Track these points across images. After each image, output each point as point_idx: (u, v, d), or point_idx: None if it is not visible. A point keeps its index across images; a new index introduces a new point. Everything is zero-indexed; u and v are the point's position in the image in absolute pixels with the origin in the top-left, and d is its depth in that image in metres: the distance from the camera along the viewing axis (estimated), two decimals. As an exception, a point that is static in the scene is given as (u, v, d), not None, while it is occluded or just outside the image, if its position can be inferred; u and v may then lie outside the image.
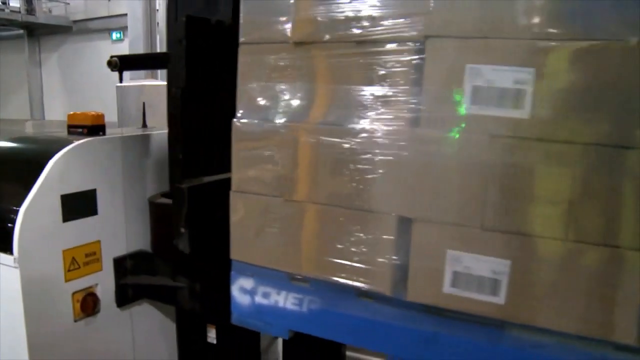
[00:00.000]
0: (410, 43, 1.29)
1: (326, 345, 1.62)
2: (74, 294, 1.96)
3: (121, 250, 2.12)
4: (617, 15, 1.10)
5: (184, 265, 1.96)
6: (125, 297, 2.14)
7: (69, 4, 12.31)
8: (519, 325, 1.28)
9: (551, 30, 1.15)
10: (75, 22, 12.44)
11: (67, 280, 1.94)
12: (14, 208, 1.78)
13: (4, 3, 11.74)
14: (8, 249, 1.77)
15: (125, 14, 8.01)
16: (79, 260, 1.98)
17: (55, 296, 1.90)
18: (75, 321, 1.98)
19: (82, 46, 12.27)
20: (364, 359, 2.93)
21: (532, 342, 1.28)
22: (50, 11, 12.61)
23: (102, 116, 2.14)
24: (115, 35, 11.40)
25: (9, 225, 1.77)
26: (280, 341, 2.85)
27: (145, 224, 2.15)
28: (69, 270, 1.94)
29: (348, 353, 2.47)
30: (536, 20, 1.17)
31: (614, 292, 1.17)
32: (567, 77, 1.16)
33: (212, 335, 2.09)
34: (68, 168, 1.91)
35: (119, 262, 2.11)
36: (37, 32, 12.87)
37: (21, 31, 12.78)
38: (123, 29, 10.60)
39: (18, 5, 11.68)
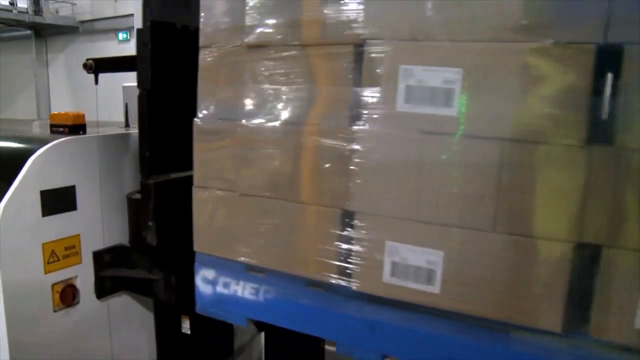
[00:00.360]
0: (350, 46, 1.38)
1: (306, 340, 1.71)
2: (53, 285, 2.07)
3: (100, 244, 2.23)
4: (533, 17, 1.18)
5: (159, 258, 2.06)
6: (104, 289, 2.25)
7: (75, 4, 12.51)
8: (457, 314, 1.36)
9: (477, 32, 1.24)
10: (82, 22, 12.66)
11: (46, 272, 2.05)
12: (-7, 202, 1.90)
13: (11, 4, 11.96)
14: (-12, 241, 1.89)
15: (132, 14, 8.16)
16: (59, 253, 2.09)
17: (34, 287, 2.01)
18: (55, 311, 2.09)
19: (88, 46, 12.47)
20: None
21: (469, 328, 1.36)
22: (57, 12, 12.83)
23: (82, 116, 2.25)
24: (121, 36, 11.57)
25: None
26: (262, 336, 2.95)
27: (124, 219, 2.26)
28: (48, 263, 2.05)
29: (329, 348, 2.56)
30: (462, 23, 1.25)
31: (536, 281, 1.25)
32: (492, 76, 1.24)
33: (186, 326, 2.19)
34: (47, 165, 2.02)
35: (98, 256, 2.22)
36: (44, 33, 13.10)
37: (28, 32, 13.02)
38: (129, 29, 10.80)
39: (26, 6, 11.92)
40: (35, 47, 13.13)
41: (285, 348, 2.36)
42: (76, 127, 2.22)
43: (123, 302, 2.33)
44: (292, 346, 2.26)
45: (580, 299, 1.21)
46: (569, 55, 1.15)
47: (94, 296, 2.23)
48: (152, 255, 2.09)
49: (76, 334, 2.17)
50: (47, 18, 12.32)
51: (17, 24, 12.28)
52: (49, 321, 2.08)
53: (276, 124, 1.49)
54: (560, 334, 1.24)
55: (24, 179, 1.94)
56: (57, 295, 2.09)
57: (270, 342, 2.84)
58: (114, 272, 2.25)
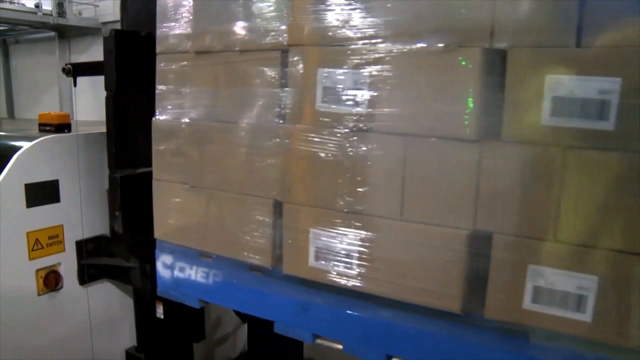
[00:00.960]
0: (277, 51, 1.54)
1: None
2: (37, 271, 2.28)
3: (83, 234, 2.44)
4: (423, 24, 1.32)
5: (131, 247, 2.25)
6: (86, 276, 2.45)
7: (98, 6, 12.93)
8: (379, 297, 1.50)
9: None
10: (104, 24, 13.07)
11: (31, 259, 2.26)
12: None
13: (37, 6, 12.51)
14: (-27, 229, 2.11)
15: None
16: (42, 242, 2.30)
17: (19, 272, 2.23)
18: (39, 295, 2.30)
19: (110, 47, 12.84)
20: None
21: (383, 307, 1.50)
22: (80, 13, 13.28)
23: (67, 116, 2.46)
24: (141, 36, 11.88)
25: (-24, 209, 2.11)
26: (245, 327, 3.13)
27: (105, 211, 2.46)
28: (32, 250, 2.26)
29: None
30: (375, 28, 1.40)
31: (438, 266, 1.38)
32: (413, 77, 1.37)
33: (160, 311, 2.38)
34: (31, 161, 2.23)
35: (80, 245, 2.42)
36: (68, 34, 13.57)
37: (52, 33, 13.53)
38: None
39: (50, 9, 12.42)
40: (59, 49, 13.61)
41: (267, 338, 2.52)
42: (61, 126, 2.43)
43: (104, 288, 2.53)
44: (273, 336, 2.43)
45: (475, 282, 1.34)
46: (459, 57, 1.28)
47: (77, 282, 2.44)
48: (126, 244, 2.28)
49: (59, 316, 2.37)
50: (71, 20, 12.81)
51: (42, 26, 12.80)
52: (33, 305, 2.29)
53: (216, 123, 1.66)
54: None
55: (9, 172, 2.16)
56: (41, 280, 2.30)
57: (252, 332, 3.03)
58: (95, 260, 2.46)
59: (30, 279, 2.27)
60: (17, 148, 2.23)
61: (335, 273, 1.52)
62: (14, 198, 2.18)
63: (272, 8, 1.54)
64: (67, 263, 2.40)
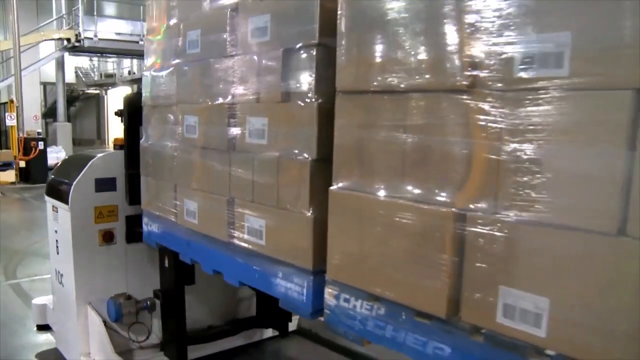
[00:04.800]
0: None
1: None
2: (99, 231, 4.12)
3: (131, 212, 4.22)
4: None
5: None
6: (130, 237, 4.22)
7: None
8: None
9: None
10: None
11: (96, 223, 4.10)
12: (70, 182, 4.02)
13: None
14: (66, 202, 4.00)
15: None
16: (104, 213, 4.13)
17: (89, 230, 4.07)
18: (100, 245, 4.13)
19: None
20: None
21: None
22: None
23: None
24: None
25: (67, 191, 4.01)
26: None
27: (143, 198, 4.23)
28: (97, 217, 4.10)
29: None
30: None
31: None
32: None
33: (164, 263, 4.04)
34: (100, 165, 4.09)
35: (128, 218, 4.21)
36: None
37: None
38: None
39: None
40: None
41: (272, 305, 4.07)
42: (122, 146, 4.29)
43: (140, 247, 4.29)
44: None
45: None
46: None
47: (124, 241, 4.22)
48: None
49: (111, 261, 4.18)
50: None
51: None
52: (96, 252, 4.11)
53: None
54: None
55: (85, 172, 4.02)
56: (102, 237, 4.13)
57: (260, 299, 4.57)
58: (137, 228, 4.22)
59: (95, 235, 4.11)
60: (93, 157, 4.11)
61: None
62: (88, 186, 4.05)
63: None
64: (119, 228, 4.19)
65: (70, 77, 23.02)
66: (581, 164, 1.41)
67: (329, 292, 2.16)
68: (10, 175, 14.97)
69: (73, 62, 22.93)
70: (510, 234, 1.57)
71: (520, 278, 1.57)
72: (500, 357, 1.65)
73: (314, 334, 4.79)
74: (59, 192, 4.15)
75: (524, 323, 1.57)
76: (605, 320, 1.40)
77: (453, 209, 1.70)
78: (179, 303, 3.96)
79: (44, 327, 4.71)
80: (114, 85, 24.56)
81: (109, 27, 20.25)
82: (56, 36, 19.62)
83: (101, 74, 26.39)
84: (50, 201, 4.35)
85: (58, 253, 4.27)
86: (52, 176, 4.48)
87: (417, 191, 1.80)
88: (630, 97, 1.31)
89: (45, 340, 4.78)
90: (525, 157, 1.52)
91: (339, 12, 2.01)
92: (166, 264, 4.00)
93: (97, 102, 25.63)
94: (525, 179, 1.52)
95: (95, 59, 25.85)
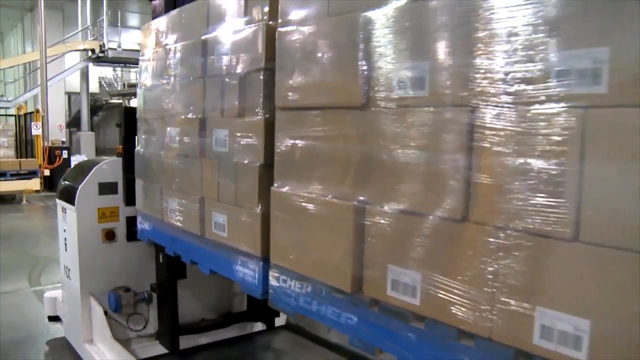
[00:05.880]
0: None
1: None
2: (102, 229, 4.66)
3: (130, 213, 4.75)
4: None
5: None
6: (130, 236, 4.75)
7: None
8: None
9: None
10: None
11: (99, 222, 4.64)
12: (77, 186, 4.57)
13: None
14: (73, 203, 4.56)
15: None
16: (106, 214, 4.67)
17: (92, 229, 4.61)
18: (103, 243, 4.67)
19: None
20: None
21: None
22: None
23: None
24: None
25: (74, 194, 4.56)
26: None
27: (142, 201, 4.77)
28: (100, 217, 4.65)
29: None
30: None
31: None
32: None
33: (159, 258, 4.55)
34: (103, 170, 4.64)
35: (128, 219, 4.74)
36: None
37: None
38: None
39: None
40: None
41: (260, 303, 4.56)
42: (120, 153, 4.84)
43: (139, 244, 4.81)
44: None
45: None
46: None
47: (125, 239, 4.75)
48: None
49: (113, 257, 4.71)
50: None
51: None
52: (99, 248, 4.65)
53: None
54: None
55: (89, 177, 4.58)
56: (104, 235, 4.67)
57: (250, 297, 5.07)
58: (135, 228, 4.75)
59: (98, 233, 4.64)
60: (97, 164, 4.67)
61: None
62: (92, 189, 4.60)
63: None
64: (120, 228, 4.73)
65: (94, 87, 23.93)
66: (428, 165, 1.86)
67: (272, 275, 2.63)
68: (35, 184, 15.53)
69: (97, 73, 23.88)
70: (393, 222, 2.02)
71: (403, 258, 2.01)
72: (389, 323, 2.09)
73: (301, 328, 5.24)
74: (67, 195, 4.72)
75: (404, 294, 2.02)
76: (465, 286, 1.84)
77: (354, 203, 2.16)
78: (172, 296, 4.47)
79: (54, 318, 5.25)
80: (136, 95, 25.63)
81: (133, 38, 21.14)
82: (81, 47, 20.50)
83: (124, 84, 27.49)
84: (60, 203, 4.92)
85: (66, 250, 4.84)
86: (62, 181, 5.05)
87: (330, 189, 2.27)
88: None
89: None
90: (400, 160, 1.97)
91: (276, 43, 2.50)
92: (160, 260, 4.53)
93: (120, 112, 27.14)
94: (397, 177, 1.98)
95: (118, 69, 26.97)
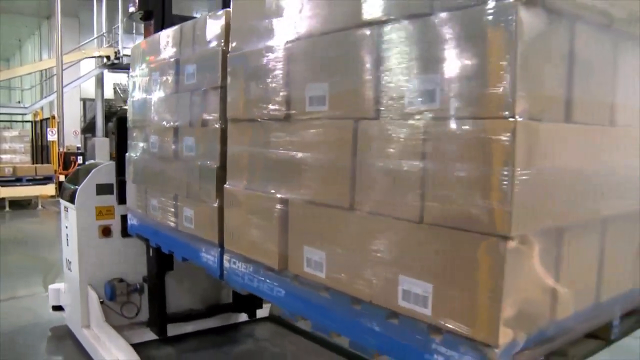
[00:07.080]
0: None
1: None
2: (99, 226, 5.30)
3: (124, 212, 5.39)
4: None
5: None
6: (125, 232, 5.38)
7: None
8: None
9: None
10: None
11: (97, 220, 5.29)
12: (77, 187, 5.24)
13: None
14: (73, 202, 5.22)
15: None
16: (103, 212, 5.32)
17: (91, 225, 5.26)
18: (100, 238, 5.31)
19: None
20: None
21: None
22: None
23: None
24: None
25: (74, 194, 5.22)
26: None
27: (135, 201, 5.41)
28: (97, 215, 5.30)
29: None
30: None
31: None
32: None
33: (150, 252, 5.18)
34: (100, 173, 5.29)
35: (123, 217, 5.38)
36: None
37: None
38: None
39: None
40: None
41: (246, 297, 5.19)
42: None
43: (133, 240, 5.45)
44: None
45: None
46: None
47: (120, 235, 5.39)
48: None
49: (109, 251, 5.35)
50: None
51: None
52: (96, 243, 5.30)
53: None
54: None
55: (88, 179, 5.24)
56: (101, 231, 5.32)
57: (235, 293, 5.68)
58: (128, 225, 5.40)
59: (96, 230, 5.29)
60: (95, 167, 5.33)
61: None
62: (90, 190, 5.25)
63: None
64: (115, 225, 5.37)
65: (109, 94, 24.69)
66: (324, 166, 2.45)
67: (226, 258, 3.23)
68: (50, 189, 16.10)
69: (112, 79, 24.72)
70: (302, 211, 2.61)
71: (312, 239, 2.60)
72: (304, 293, 2.67)
73: (282, 319, 5.83)
74: (68, 195, 5.39)
75: (314, 269, 2.60)
76: (354, 265, 2.42)
77: (278, 195, 2.75)
78: (160, 286, 5.10)
79: (57, 308, 5.91)
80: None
81: (147, 45, 21.85)
82: (96, 54, 21.31)
83: (139, 90, 28.35)
84: (63, 202, 5.60)
85: (67, 244, 5.50)
86: (65, 182, 5.73)
87: (263, 185, 2.87)
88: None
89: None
90: (308, 161, 2.56)
91: (228, 64, 3.12)
92: (150, 254, 5.16)
93: (135, 118, 28.05)
94: (305, 175, 2.57)
95: (134, 75, 27.85)
